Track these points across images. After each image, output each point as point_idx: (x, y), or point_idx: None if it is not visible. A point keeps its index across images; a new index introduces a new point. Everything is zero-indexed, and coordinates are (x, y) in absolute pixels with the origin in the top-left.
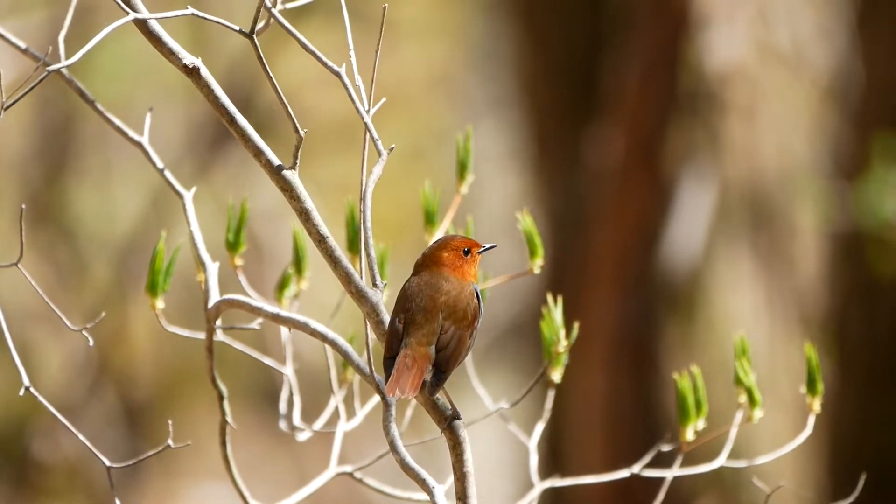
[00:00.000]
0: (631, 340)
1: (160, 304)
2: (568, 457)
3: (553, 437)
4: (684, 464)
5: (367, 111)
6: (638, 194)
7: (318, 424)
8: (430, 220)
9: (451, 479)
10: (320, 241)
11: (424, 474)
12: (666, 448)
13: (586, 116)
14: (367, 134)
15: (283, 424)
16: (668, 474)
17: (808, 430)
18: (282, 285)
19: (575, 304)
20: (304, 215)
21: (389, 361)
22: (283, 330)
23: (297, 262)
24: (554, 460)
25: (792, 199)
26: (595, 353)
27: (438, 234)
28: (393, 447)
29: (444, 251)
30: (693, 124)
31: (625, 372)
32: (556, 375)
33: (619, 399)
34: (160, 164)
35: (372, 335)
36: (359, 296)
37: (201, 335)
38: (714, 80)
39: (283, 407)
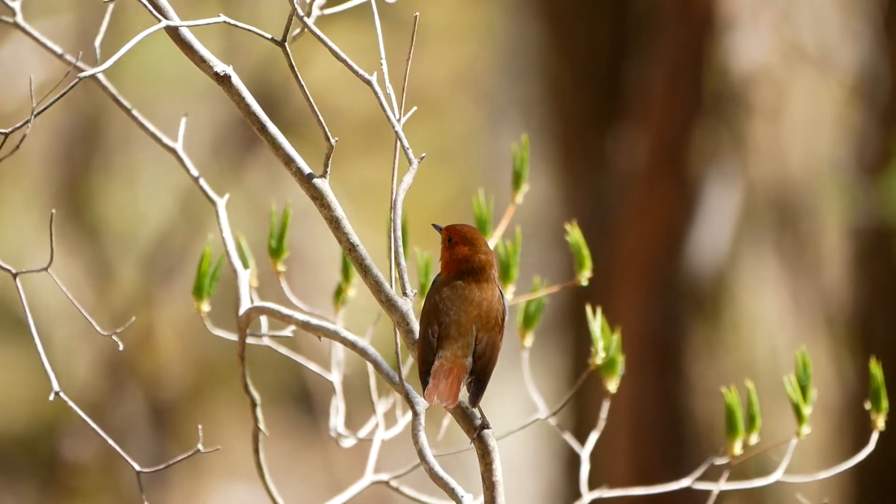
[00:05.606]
0: (656, 343)
1: (206, 307)
2: (592, 462)
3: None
4: (713, 476)
5: (399, 119)
6: (663, 196)
7: (364, 432)
8: (482, 228)
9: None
10: (350, 249)
11: (453, 483)
12: (719, 462)
13: (612, 119)
14: (398, 142)
15: (333, 432)
16: (716, 487)
17: (871, 446)
18: (337, 293)
19: (600, 307)
20: (335, 224)
21: (425, 376)
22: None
23: (345, 269)
24: (575, 466)
25: (817, 199)
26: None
27: (490, 244)
28: (422, 456)
29: (465, 247)
30: (718, 126)
31: (650, 375)
32: (612, 385)
33: (644, 403)
34: (195, 172)
35: (401, 343)
36: (389, 305)
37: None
38: (739, 81)
39: (332, 417)
